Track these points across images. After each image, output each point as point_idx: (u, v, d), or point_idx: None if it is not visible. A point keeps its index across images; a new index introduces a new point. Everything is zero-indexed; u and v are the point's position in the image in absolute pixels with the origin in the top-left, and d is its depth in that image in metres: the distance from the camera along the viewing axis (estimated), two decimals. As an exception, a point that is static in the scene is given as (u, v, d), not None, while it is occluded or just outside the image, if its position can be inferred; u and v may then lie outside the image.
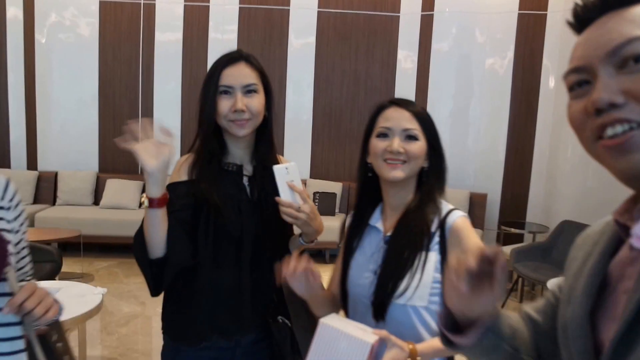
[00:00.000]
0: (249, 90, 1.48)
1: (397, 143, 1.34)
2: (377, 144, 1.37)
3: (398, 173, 1.35)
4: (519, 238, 5.99)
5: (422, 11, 6.66)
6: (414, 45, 6.74)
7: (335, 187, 6.50)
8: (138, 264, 1.43)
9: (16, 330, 1.17)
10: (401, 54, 6.80)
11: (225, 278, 1.50)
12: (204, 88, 1.50)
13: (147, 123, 1.36)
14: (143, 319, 4.45)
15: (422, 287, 1.30)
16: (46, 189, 6.62)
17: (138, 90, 6.85)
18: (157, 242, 1.38)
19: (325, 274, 1.56)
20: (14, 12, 6.64)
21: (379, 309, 1.32)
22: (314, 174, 6.84)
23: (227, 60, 1.50)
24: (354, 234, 1.46)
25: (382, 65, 6.85)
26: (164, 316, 1.60)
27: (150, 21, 6.77)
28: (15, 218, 1.23)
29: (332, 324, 1.19)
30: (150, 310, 4.58)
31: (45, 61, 6.74)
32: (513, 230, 5.79)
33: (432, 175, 1.40)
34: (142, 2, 6.74)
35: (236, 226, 1.50)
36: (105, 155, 6.89)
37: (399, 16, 6.76)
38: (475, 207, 6.16)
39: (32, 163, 6.85)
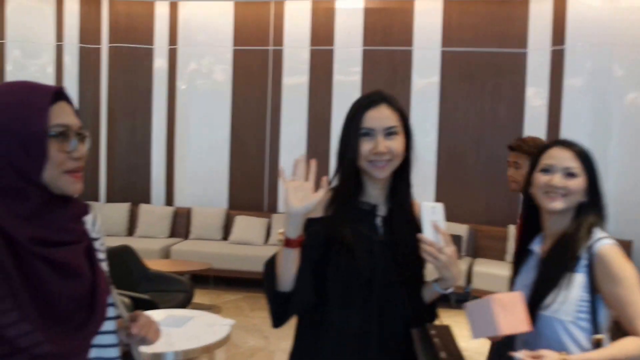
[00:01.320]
0: (389, 133, 1.48)
1: (557, 179, 1.53)
2: (540, 178, 1.57)
3: (556, 204, 1.53)
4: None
5: (552, 46, 6.38)
6: (544, 81, 6.45)
7: (460, 229, 6.28)
8: (265, 293, 1.47)
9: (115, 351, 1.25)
10: (530, 91, 6.53)
11: (352, 320, 1.47)
12: (345, 129, 1.52)
13: (313, 165, 1.40)
14: (267, 353, 4.53)
15: (568, 303, 1.47)
16: (181, 224, 7.08)
17: (266, 131, 7.19)
18: (286, 278, 1.40)
19: (452, 319, 1.62)
20: (160, 62, 7.34)
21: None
22: (437, 215, 6.67)
23: (369, 102, 1.51)
24: (519, 257, 1.69)
25: (509, 104, 6.62)
26: (290, 354, 1.60)
27: (278, 66, 7.14)
28: (104, 246, 1.30)
29: (473, 302, 1.44)
30: (273, 345, 4.65)
31: (184, 106, 7.33)
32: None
33: (589, 208, 1.56)
34: (271, 48, 7.14)
35: (367, 267, 1.46)
36: (235, 193, 7.25)
37: (526, 52, 6.53)
38: (618, 254, 5.62)
39: (169, 199, 7.39)
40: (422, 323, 1.50)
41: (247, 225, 6.75)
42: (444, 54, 6.75)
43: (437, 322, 1.55)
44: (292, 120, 7.11)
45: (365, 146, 1.47)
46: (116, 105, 7.40)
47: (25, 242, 1.01)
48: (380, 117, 1.48)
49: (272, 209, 7.08)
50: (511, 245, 6.08)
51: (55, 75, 7.24)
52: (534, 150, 2.70)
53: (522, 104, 6.56)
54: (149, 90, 7.37)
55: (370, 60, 6.90)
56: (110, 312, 1.20)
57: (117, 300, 1.25)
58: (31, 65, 7.25)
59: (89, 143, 1.13)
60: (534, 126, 6.42)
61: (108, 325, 1.18)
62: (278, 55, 7.13)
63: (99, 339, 1.15)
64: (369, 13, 6.88)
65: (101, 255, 1.24)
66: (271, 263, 1.45)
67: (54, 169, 1.04)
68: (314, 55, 7.05)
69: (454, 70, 6.73)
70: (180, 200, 7.35)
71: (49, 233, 1.05)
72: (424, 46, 6.77)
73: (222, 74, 7.27)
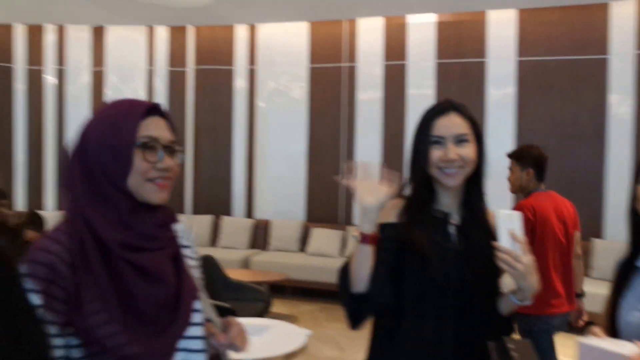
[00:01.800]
0: (460, 140, 1.49)
1: None
2: None
3: None
4: None
5: (636, 50, 6.12)
6: (629, 87, 6.18)
7: (538, 241, 6.12)
8: (339, 296, 1.49)
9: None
10: (613, 98, 6.28)
11: (427, 329, 1.47)
12: (416, 138, 1.54)
13: (372, 165, 1.46)
14: (342, 363, 4.65)
15: None
16: (260, 236, 7.39)
17: (341, 145, 7.36)
18: (362, 278, 1.42)
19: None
20: (241, 82, 7.73)
21: None
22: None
23: (438, 110, 1.53)
24: (622, 275, 1.51)
25: (590, 112, 6.38)
26: None
27: (352, 82, 7.30)
28: (196, 254, 1.37)
29: (589, 342, 1.27)
30: (349, 356, 4.76)
31: (264, 122, 7.67)
32: None
33: None
34: (345, 65, 7.32)
35: (441, 274, 1.47)
36: (311, 206, 7.46)
37: (608, 58, 6.29)
38: None
39: (249, 212, 7.73)
40: (498, 335, 1.44)
41: (323, 238, 6.93)
42: (520, 64, 6.63)
43: (515, 337, 1.49)
44: (367, 135, 7.24)
45: (435, 154, 1.49)
46: (201, 123, 7.87)
47: (114, 246, 1.06)
48: (450, 124, 1.49)
49: (348, 221, 7.22)
50: (596, 260, 5.86)
51: (147, 97, 7.82)
52: (519, 155, 3.08)
53: (604, 112, 6.32)
54: (231, 108, 7.77)
55: (443, 73, 6.90)
56: (198, 317, 1.20)
57: (208, 306, 1.27)
58: (126, 89, 7.89)
59: (180, 157, 1.18)
60: (619, 135, 6.17)
61: (196, 331, 1.19)
62: (352, 72, 7.30)
63: (187, 344, 1.16)
64: (441, 26, 6.90)
65: (192, 262, 1.28)
66: (345, 268, 1.48)
67: (137, 176, 1.10)
68: (387, 70, 7.15)
69: (531, 80, 6.60)
70: (259, 213, 7.67)
71: (134, 238, 1.10)
72: (499, 56, 6.69)
73: (299, 91, 7.54)
